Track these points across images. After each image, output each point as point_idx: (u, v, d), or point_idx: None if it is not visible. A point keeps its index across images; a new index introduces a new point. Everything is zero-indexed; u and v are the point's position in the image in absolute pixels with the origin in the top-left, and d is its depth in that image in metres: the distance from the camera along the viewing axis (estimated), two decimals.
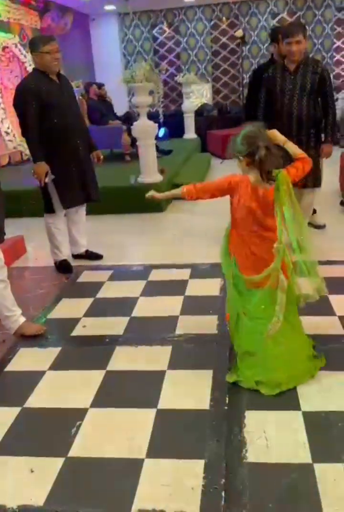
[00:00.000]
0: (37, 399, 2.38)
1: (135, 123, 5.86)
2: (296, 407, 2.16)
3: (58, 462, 1.96)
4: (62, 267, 4.11)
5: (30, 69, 8.38)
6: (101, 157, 4.25)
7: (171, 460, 1.92)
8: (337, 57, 10.61)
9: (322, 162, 3.96)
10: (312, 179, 3.82)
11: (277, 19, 10.69)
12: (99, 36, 10.95)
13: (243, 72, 9.50)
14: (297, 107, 3.71)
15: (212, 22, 10.93)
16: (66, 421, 2.20)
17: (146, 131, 5.70)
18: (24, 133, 3.79)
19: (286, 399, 2.22)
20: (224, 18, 10.88)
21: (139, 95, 5.65)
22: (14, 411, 2.30)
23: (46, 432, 2.15)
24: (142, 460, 1.94)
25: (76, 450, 2.03)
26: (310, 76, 3.68)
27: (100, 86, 7.97)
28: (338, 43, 10.62)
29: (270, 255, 2.24)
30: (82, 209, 4.23)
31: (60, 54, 3.80)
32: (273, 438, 1.99)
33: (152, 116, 6.02)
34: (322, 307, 3.07)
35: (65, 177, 3.87)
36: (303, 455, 1.89)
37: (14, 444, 2.09)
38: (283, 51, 3.78)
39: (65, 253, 4.18)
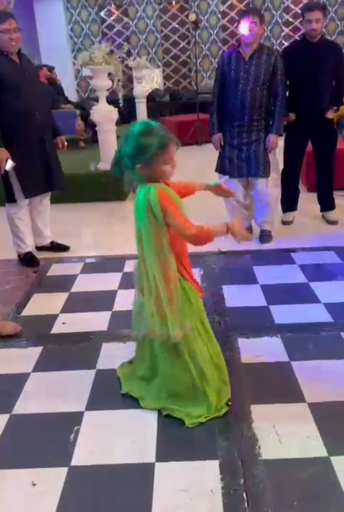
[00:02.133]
0: (26, 405, 2.21)
1: (94, 107, 5.64)
2: (301, 399, 2.13)
3: (62, 472, 1.83)
4: (27, 259, 3.89)
5: None
6: (65, 143, 4.05)
7: (183, 463, 1.84)
8: (286, 44, 10.73)
9: (274, 151, 3.89)
10: (262, 169, 3.78)
11: (227, 4, 10.68)
12: (44, 16, 10.50)
13: (194, 57, 9.42)
14: (250, 96, 3.66)
15: (162, 5, 10.75)
16: (62, 427, 2.06)
17: (106, 116, 5.50)
18: None
19: (290, 392, 2.19)
20: (173, 1, 10.73)
21: (98, 78, 5.44)
22: (1, 419, 2.12)
23: (42, 440, 2.00)
24: (152, 464, 1.84)
25: (79, 458, 1.89)
26: (264, 64, 3.65)
27: (51, 69, 7.64)
28: (287, 30, 10.76)
29: None
30: (47, 198, 4.02)
31: (20, 33, 3.54)
32: (284, 432, 1.95)
33: (112, 101, 5.82)
34: (308, 296, 3.10)
35: (27, 164, 3.64)
36: (318, 449, 1.86)
37: (9, 456, 1.93)
38: (239, 34, 3.70)
39: (29, 245, 3.95)
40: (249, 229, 4.16)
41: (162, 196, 1.83)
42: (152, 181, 1.88)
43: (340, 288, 3.19)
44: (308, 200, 4.74)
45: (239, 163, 3.81)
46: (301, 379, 2.26)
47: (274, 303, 3.01)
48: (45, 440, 2.00)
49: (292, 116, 4.04)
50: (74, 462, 1.87)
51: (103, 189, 5.51)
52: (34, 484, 1.78)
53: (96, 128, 5.69)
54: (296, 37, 10.67)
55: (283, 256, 3.73)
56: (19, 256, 3.92)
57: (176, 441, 1.95)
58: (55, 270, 3.74)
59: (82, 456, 1.90)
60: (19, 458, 1.91)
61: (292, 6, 10.61)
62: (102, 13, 10.89)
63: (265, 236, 4.02)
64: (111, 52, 5.43)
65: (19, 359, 2.58)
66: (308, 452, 1.85)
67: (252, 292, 3.18)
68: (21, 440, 2.01)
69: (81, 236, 4.45)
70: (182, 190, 2.06)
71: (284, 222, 4.44)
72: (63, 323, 2.92)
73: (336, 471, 1.75)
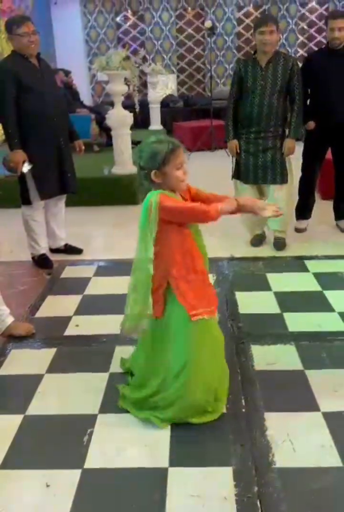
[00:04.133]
0: (40, 406, 2.23)
1: (110, 112, 5.68)
2: (315, 408, 2.12)
3: (75, 474, 1.83)
4: (42, 261, 3.91)
5: None
6: (83, 147, 4.09)
7: (197, 468, 1.83)
8: (301, 52, 10.74)
9: (289, 158, 3.89)
10: (280, 176, 3.79)
11: (242, 12, 10.69)
12: (61, 21, 10.56)
13: (209, 64, 9.45)
14: (267, 103, 3.67)
15: (178, 12, 10.79)
16: (75, 429, 2.07)
17: (121, 121, 5.53)
18: (0, 118, 3.57)
19: (304, 400, 2.18)
20: (189, 8, 10.77)
21: (114, 83, 5.48)
22: (16, 420, 2.14)
23: (55, 442, 2.01)
24: (165, 469, 1.84)
25: (93, 460, 1.90)
26: (281, 71, 3.65)
27: (67, 73, 7.70)
28: (302, 38, 10.75)
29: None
30: (62, 201, 4.05)
31: (38, 36, 3.59)
32: (298, 441, 1.94)
33: (127, 105, 5.85)
34: (322, 304, 3.08)
35: (43, 166, 3.67)
36: (332, 458, 1.85)
37: (23, 456, 1.94)
38: (256, 42, 3.71)
39: (44, 247, 3.98)
40: (263, 235, 4.16)
41: (162, 196, 1.90)
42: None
43: None
44: (321, 208, 4.71)
45: (256, 170, 3.80)
46: (315, 388, 2.25)
47: (287, 310, 2.99)
48: (59, 442, 2.01)
49: (311, 124, 4.03)
50: (88, 464, 1.88)
51: (116, 192, 5.55)
52: (47, 486, 1.79)
53: (111, 133, 5.72)
54: (311, 45, 10.68)
55: (297, 264, 3.71)
56: (33, 258, 3.95)
57: (190, 447, 1.94)
58: (69, 272, 3.76)
59: (95, 458, 1.91)
60: (33, 459, 1.92)
61: (307, 14, 10.61)
62: (118, 19, 10.95)
63: (279, 243, 4.01)
64: (128, 57, 5.46)
65: (33, 360, 2.59)
66: (322, 461, 1.84)
67: (266, 299, 3.17)
68: (35, 441, 2.02)
69: (95, 239, 4.47)
70: (205, 200, 2.04)
71: (298, 230, 4.42)
72: (77, 326, 2.93)
73: None
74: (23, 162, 3.50)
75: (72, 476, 1.82)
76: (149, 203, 1.90)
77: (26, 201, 3.77)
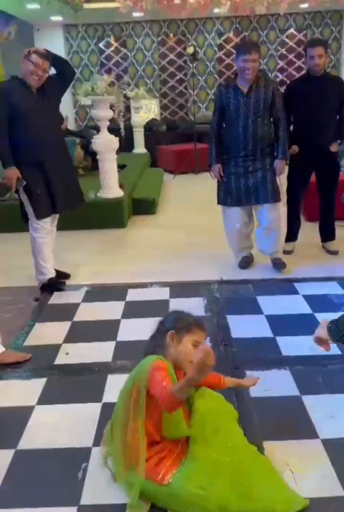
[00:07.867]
0: (31, 440, 2.15)
1: (95, 137, 5.68)
2: (314, 435, 2.09)
3: None
4: (52, 285, 3.85)
5: None
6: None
7: None
8: (281, 77, 10.96)
9: (280, 179, 3.94)
10: (272, 194, 3.82)
11: (223, 38, 10.89)
12: (43, 46, 10.51)
13: (192, 89, 9.56)
14: (252, 127, 3.71)
15: (160, 38, 10.94)
16: (69, 464, 1.99)
17: (107, 145, 5.53)
18: None
19: (302, 427, 2.14)
20: (171, 34, 10.93)
21: (99, 108, 5.49)
22: (7, 455, 2.05)
23: (49, 478, 1.93)
24: None
25: (88, 496, 1.82)
26: (262, 95, 3.70)
27: None
28: (282, 63, 10.97)
29: None
30: (53, 225, 4.02)
31: (44, 73, 3.64)
32: (298, 471, 1.89)
33: (112, 129, 5.85)
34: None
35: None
36: (335, 487, 1.81)
37: (15, 493, 1.86)
38: (238, 68, 3.75)
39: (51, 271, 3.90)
40: (250, 257, 4.15)
41: (158, 363, 1.79)
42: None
43: None
44: (307, 230, 4.75)
45: (247, 191, 3.81)
46: (312, 414, 2.22)
47: (280, 334, 2.98)
48: (53, 478, 1.93)
49: (295, 148, 4.08)
50: (84, 501, 1.81)
51: (103, 216, 5.53)
52: None
53: (97, 157, 5.71)
54: (291, 70, 10.90)
55: (286, 286, 3.71)
56: (42, 285, 3.85)
57: None
58: (57, 298, 3.70)
59: (91, 494, 1.83)
60: (25, 497, 1.84)
61: (286, 40, 10.85)
62: (101, 44, 11.05)
63: (278, 264, 4.00)
64: (113, 83, 5.49)
65: (23, 391, 2.52)
66: (324, 491, 1.80)
67: (258, 323, 3.15)
68: (28, 477, 1.94)
69: (82, 263, 4.41)
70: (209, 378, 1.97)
71: (285, 252, 4.44)
72: (67, 354, 2.86)
73: None
74: (17, 179, 3.50)
75: None
76: (141, 369, 1.80)
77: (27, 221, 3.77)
